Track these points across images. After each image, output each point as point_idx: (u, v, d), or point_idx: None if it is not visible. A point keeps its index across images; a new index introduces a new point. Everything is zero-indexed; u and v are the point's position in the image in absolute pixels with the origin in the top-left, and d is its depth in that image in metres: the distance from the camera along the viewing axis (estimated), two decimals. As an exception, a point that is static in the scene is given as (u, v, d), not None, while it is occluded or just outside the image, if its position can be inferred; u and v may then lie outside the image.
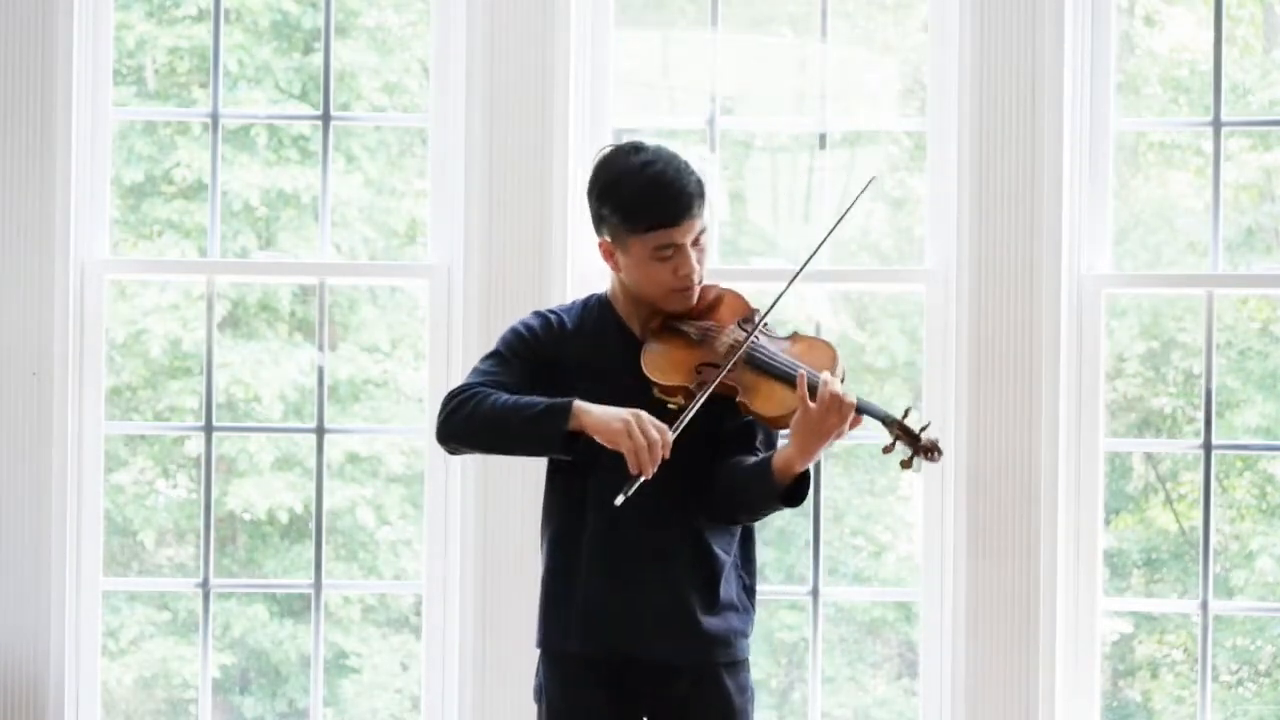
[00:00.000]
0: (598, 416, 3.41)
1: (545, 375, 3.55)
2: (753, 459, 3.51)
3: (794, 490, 3.44)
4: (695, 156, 3.68)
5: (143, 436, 9.73)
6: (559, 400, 3.45)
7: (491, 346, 3.63)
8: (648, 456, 3.36)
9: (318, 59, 9.22)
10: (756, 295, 3.67)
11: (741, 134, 9.60)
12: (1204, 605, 4.93)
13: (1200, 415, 5.57)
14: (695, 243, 3.51)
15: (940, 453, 3.39)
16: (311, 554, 6.41)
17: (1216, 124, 4.98)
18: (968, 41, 4.81)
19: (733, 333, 3.54)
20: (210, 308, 5.12)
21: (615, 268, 3.58)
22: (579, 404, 3.43)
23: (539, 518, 3.68)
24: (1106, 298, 4.89)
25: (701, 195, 3.51)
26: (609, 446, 3.39)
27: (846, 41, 9.02)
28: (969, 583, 4.78)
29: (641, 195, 3.48)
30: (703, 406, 3.45)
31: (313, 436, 5.11)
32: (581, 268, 4.86)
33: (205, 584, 5.07)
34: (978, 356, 4.79)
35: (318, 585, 5.05)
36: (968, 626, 4.78)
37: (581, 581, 3.54)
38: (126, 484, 9.57)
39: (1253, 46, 9.36)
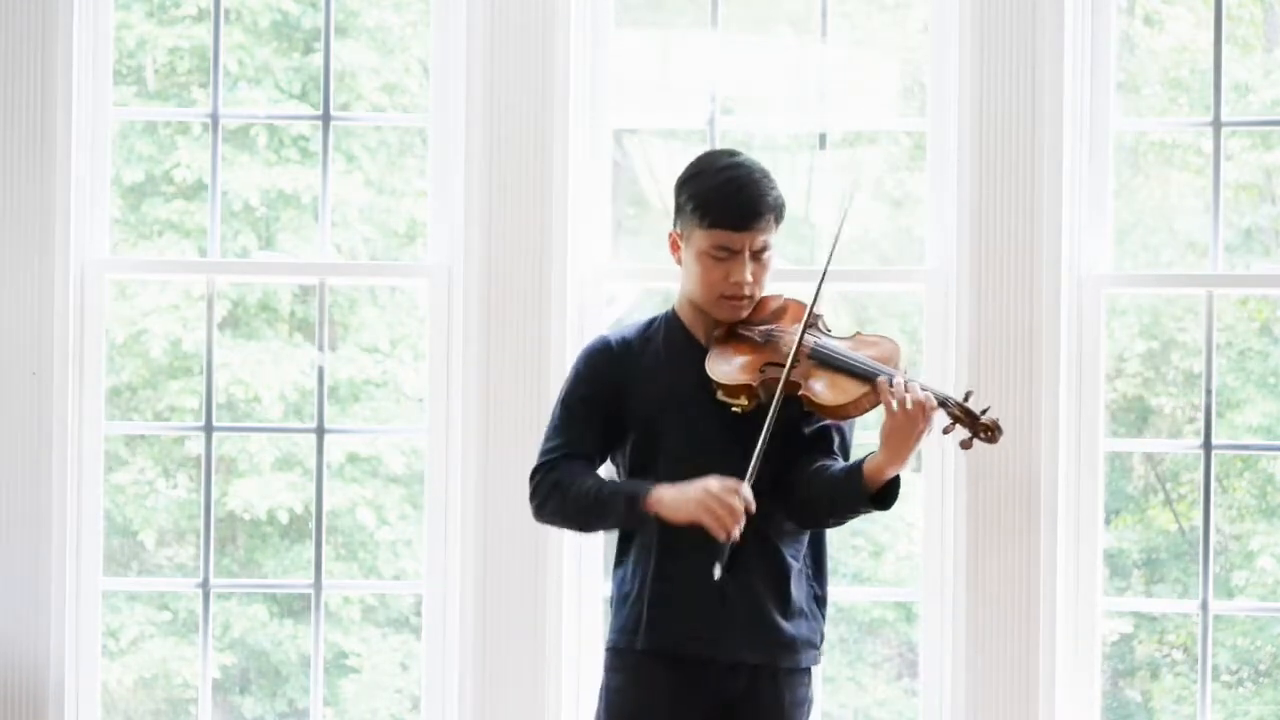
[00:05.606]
0: (670, 504, 3.48)
1: (615, 405, 3.62)
2: (839, 464, 3.58)
3: (884, 492, 3.50)
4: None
5: (143, 436, 9.73)
6: (635, 492, 3.52)
7: (561, 391, 3.68)
8: (730, 522, 3.42)
9: (318, 59, 9.22)
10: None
11: (741, 134, 9.58)
12: (1204, 605, 4.92)
13: (1200, 415, 5.57)
14: (756, 257, 3.57)
15: (1000, 432, 3.46)
16: (311, 554, 6.41)
17: (1216, 124, 4.97)
18: (968, 41, 4.80)
19: (795, 332, 3.57)
20: (210, 308, 5.12)
21: (678, 260, 3.64)
22: (653, 495, 3.50)
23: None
24: (1106, 298, 4.89)
25: (776, 214, 3.58)
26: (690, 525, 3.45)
27: (846, 41, 9.02)
28: (969, 583, 4.77)
29: (716, 190, 3.56)
30: (776, 414, 3.49)
31: (313, 437, 5.10)
32: (581, 268, 4.86)
33: (205, 584, 5.07)
34: (978, 357, 4.79)
35: (318, 585, 5.05)
36: (968, 626, 4.78)
37: (652, 579, 3.59)
38: (126, 484, 9.56)
39: (1253, 46, 9.36)
